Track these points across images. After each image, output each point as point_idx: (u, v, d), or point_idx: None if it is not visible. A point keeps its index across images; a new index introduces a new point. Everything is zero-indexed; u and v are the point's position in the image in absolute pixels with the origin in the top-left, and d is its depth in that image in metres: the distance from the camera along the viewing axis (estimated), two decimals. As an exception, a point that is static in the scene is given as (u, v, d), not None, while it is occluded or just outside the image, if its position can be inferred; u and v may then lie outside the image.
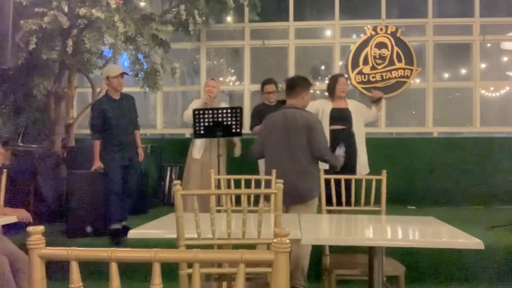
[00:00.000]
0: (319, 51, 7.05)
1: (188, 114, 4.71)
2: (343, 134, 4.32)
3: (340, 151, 3.61)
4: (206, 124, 4.35)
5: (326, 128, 4.30)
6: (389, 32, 6.69)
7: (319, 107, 4.44)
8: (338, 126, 4.37)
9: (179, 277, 1.98)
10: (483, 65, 6.83)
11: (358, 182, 3.21)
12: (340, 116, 4.40)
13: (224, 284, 2.27)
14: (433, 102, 6.69)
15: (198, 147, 4.89)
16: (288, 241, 0.97)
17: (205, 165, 4.77)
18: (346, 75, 6.33)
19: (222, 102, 5.13)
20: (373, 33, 6.71)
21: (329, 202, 3.20)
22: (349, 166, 4.29)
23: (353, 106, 4.52)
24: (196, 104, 4.93)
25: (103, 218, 4.33)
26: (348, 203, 3.15)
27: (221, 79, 7.33)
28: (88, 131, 6.05)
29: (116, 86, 4.38)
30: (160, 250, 0.99)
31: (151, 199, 6.09)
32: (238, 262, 0.97)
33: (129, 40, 5.31)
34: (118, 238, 4.08)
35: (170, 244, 1.93)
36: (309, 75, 6.95)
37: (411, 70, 6.61)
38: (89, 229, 4.26)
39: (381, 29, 6.70)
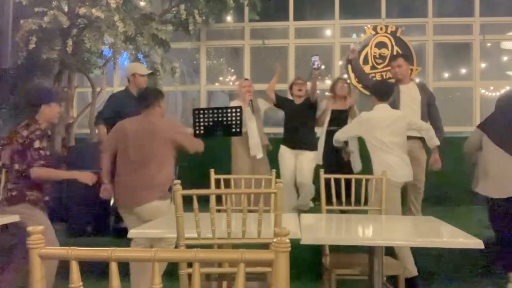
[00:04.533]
0: (319, 51, 7.03)
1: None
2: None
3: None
4: (206, 123, 4.35)
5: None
6: (389, 31, 6.68)
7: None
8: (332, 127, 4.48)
9: (179, 277, 1.99)
10: (483, 65, 6.83)
11: (358, 182, 3.20)
12: (336, 117, 4.61)
13: (224, 284, 2.27)
14: (433, 102, 6.68)
15: (256, 144, 4.70)
16: (288, 240, 0.97)
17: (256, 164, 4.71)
18: (345, 76, 6.33)
19: (259, 98, 5.02)
20: (373, 32, 6.71)
21: (329, 201, 3.20)
22: (347, 166, 4.38)
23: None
24: (237, 104, 4.83)
25: (106, 216, 4.33)
26: (348, 202, 3.15)
27: (220, 78, 7.34)
28: (88, 131, 6.07)
29: (142, 84, 4.40)
30: (160, 250, 0.99)
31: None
32: (238, 262, 0.97)
33: (129, 40, 5.31)
34: (121, 237, 4.08)
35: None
36: (309, 75, 6.96)
37: (411, 69, 6.60)
38: (89, 228, 4.26)
39: (381, 29, 6.70)
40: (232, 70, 7.42)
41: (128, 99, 4.31)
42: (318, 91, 4.80)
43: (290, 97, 4.95)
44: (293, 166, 4.66)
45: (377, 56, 6.66)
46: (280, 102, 4.89)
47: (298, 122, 4.69)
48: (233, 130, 4.31)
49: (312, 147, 4.65)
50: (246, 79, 5.08)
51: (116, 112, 4.25)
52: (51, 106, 3.12)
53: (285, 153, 4.71)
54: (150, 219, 2.73)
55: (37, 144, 2.96)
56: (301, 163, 4.62)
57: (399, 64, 4.13)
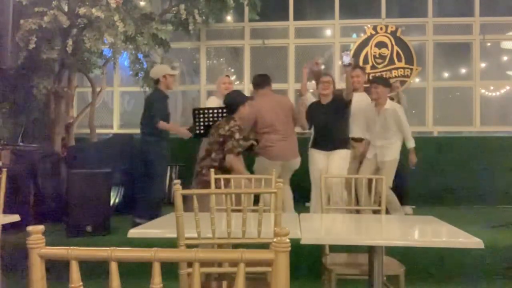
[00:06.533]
0: (319, 51, 7.04)
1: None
2: None
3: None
4: (206, 123, 4.35)
5: None
6: (389, 31, 6.68)
7: None
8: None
9: (179, 277, 1.98)
10: (483, 65, 6.83)
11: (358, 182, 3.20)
12: None
13: (224, 283, 2.27)
14: (433, 102, 6.69)
15: None
16: (288, 240, 0.97)
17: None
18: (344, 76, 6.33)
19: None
20: (373, 32, 6.71)
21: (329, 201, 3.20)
22: None
23: None
24: (214, 101, 4.85)
25: (106, 216, 4.33)
26: (348, 202, 3.15)
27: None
28: (87, 131, 6.07)
29: (171, 84, 4.53)
30: (160, 250, 0.98)
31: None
32: (238, 262, 0.97)
33: (129, 40, 5.31)
34: None
35: (170, 243, 1.93)
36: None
37: (411, 69, 6.61)
38: (89, 228, 4.26)
39: (381, 29, 6.70)
40: (232, 70, 7.42)
41: (166, 101, 4.49)
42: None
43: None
44: (324, 167, 4.37)
45: (377, 56, 6.66)
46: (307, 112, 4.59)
47: (328, 124, 4.43)
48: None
49: (345, 145, 4.45)
50: (227, 76, 5.11)
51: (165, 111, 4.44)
52: (244, 106, 3.74)
53: (315, 154, 4.47)
54: (294, 168, 4.36)
55: (237, 135, 3.55)
56: (332, 163, 4.36)
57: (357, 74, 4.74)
